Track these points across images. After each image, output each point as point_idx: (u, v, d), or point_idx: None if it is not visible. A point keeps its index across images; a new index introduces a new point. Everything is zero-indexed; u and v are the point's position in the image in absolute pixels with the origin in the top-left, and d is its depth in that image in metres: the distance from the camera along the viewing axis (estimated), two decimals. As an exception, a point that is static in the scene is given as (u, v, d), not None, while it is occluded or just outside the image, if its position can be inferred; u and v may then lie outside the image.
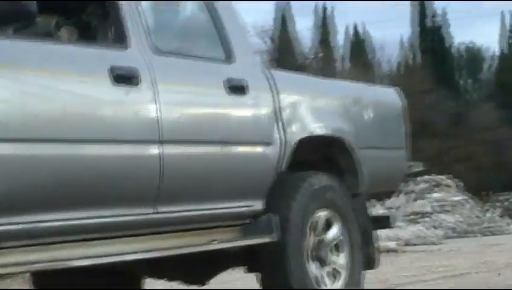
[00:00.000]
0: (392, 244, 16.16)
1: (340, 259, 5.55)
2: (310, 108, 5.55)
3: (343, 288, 5.45)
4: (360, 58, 47.68)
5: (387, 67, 49.05)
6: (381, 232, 16.87)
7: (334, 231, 5.55)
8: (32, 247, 3.96)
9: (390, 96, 6.77)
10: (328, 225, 5.53)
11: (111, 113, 4.20)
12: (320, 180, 5.46)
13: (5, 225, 3.69)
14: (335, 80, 6.48)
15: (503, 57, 57.84)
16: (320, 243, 5.44)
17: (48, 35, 4.36)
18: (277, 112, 5.23)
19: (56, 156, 3.81)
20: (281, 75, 5.74)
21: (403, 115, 6.63)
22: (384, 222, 7.02)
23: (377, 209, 19.42)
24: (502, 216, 26.31)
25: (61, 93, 3.95)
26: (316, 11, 51.20)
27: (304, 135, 5.38)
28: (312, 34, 49.08)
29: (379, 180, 6.22)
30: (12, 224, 3.73)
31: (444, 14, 53.26)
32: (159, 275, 5.86)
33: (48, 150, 3.77)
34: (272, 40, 42.61)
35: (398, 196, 23.01)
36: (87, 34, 4.69)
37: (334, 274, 5.48)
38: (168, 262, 4.98)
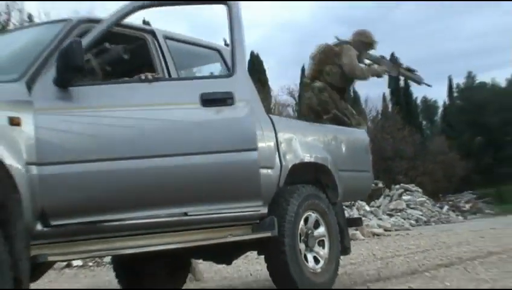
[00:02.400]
0: (378, 230, 16.44)
1: (322, 251, 5.33)
2: (300, 143, 5.35)
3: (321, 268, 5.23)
4: (355, 108, 47.69)
5: (373, 114, 49.05)
6: (371, 222, 17.70)
7: (320, 230, 5.35)
8: (96, 240, 3.76)
9: (360, 135, 6.58)
10: (317, 226, 5.33)
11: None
12: (308, 190, 5.26)
13: (78, 223, 3.48)
14: (319, 124, 6.28)
15: (448, 106, 59.10)
16: (309, 235, 5.24)
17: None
18: (277, 145, 5.05)
19: (120, 170, 3.51)
20: (278, 119, 5.59)
21: (369, 148, 6.45)
22: (357, 221, 6.92)
23: (365, 207, 20.19)
24: (450, 211, 26.78)
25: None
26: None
27: (296, 161, 5.21)
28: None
29: (351, 193, 6.09)
30: (83, 224, 3.52)
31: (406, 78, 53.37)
32: (199, 257, 5.68)
33: (116, 165, 3.48)
34: (297, 97, 42.83)
35: (380, 198, 23.47)
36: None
37: (317, 259, 5.26)
38: (205, 248, 4.68)
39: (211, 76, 4.19)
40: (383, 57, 7.23)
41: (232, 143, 3.60)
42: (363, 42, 6.99)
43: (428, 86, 7.57)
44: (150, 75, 3.69)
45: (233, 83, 3.65)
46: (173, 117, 3.57)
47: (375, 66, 7.04)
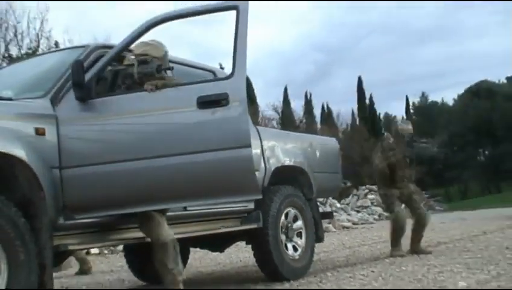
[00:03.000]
0: (347, 224, 16.37)
1: (300, 241, 5.31)
2: (282, 149, 5.32)
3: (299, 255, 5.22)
4: (329, 121, 47.92)
5: (343, 126, 49.15)
6: (341, 217, 17.66)
7: (298, 224, 5.34)
8: (110, 231, 3.73)
9: (331, 142, 6.57)
10: (295, 219, 5.31)
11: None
12: (288, 190, 5.24)
13: (93, 217, 3.45)
14: (297, 133, 6.26)
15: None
16: (289, 227, 5.22)
17: None
18: (262, 151, 5.02)
19: (128, 170, 3.36)
20: (263, 129, 5.55)
21: (339, 153, 6.39)
22: (329, 215, 6.92)
23: (336, 204, 20.12)
24: (406, 208, 26.12)
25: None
26: (305, 95, 51.73)
27: (278, 165, 5.18)
28: (303, 108, 49.35)
29: (324, 191, 6.04)
30: (97, 217, 3.48)
31: (371, 97, 53.51)
32: (196, 246, 5.61)
33: (125, 166, 3.34)
34: (281, 112, 42.67)
35: (349, 197, 23.39)
36: None
37: (295, 248, 5.25)
38: (202, 238, 4.73)
39: (209, 80, 3.97)
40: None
41: (227, 141, 3.34)
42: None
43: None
44: (150, 86, 3.52)
45: (229, 85, 3.39)
46: (172, 120, 3.40)
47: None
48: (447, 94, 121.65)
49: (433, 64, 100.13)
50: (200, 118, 3.40)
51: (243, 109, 3.38)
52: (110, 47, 3.83)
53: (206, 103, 3.39)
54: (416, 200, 6.86)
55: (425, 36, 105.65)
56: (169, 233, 3.73)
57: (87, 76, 3.45)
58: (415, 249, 6.66)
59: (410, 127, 6.89)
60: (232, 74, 3.46)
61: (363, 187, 25.78)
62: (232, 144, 3.35)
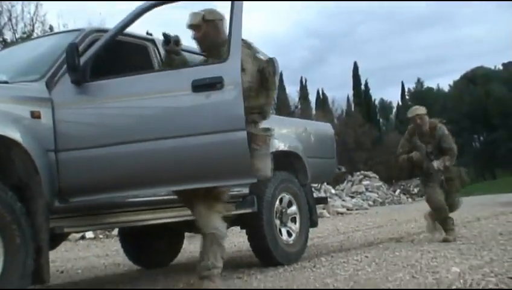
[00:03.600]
0: (342, 210, 16.48)
1: (294, 226, 5.36)
2: (277, 134, 5.26)
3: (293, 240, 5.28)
4: (324, 107, 47.91)
5: (338, 112, 49.19)
6: (335, 203, 17.74)
7: (292, 209, 5.37)
8: (105, 215, 3.75)
9: (326, 127, 6.57)
10: (289, 205, 5.35)
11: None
12: (283, 175, 5.25)
13: (91, 200, 3.45)
14: (292, 118, 6.26)
15: (400, 107, 59.41)
16: (283, 212, 5.25)
17: None
18: None
19: (123, 153, 3.33)
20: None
21: (334, 138, 6.40)
22: (324, 200, 6.99)
23: (331, 190, 20.19)
24: (401, 194, 27.02)
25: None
26: (301, 81, 51.73)
27: (273, 149, 5.09)
28: (298, 93, 49.33)
29: (319, 176, 6.06)
30: (92, 200, 3.47)
31: (367, 83, 53.55)
32: (190, 231, 5.59)
33: (119, 149, 3.32)
34: (275, 98, 42.62)
35: (344, 183, 23.54)
36: None
37: (289, 233, 5.30)
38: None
39: (204, 63, 3.94)
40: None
41: (222, 124, 3.29)
42: None
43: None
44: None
45: (224, 68, 3.35)
46: (167, 104, 3.38)
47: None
48: (443, 80, 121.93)
49: (429, 50, 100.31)
50: (194, 101, 3.39)
51: (237, 92, 3.35)
52: (105, 31, 3.83)
53: (201, 86, 3.37)
54: (454, 186, 6.53)
55: (421, 22, 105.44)
56: (217, 225, 3.68)
57: (82, 59, 3.43)
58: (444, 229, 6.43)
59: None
60: (226, 58, 3.45)
61: (358, 173, 25.98)
62: (226, 127, 3.34)
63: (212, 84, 3.34)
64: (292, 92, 50.19)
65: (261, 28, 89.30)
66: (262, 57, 3.79)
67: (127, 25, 3.61)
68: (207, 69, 3.48)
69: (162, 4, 3.62)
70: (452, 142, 6.42)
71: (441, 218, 6.39)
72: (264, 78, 3.67)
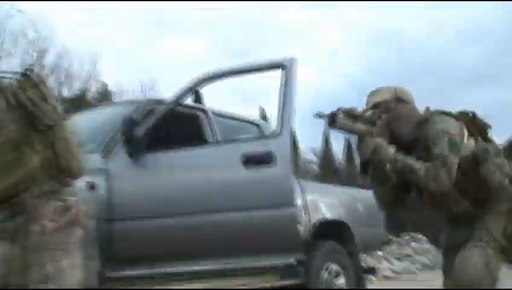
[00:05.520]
0: (389, 274, 16.01)
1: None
2: (323, 203, 5.27)
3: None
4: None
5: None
6: (382, 265, 17.09)
7: (340, 281, 5.19)
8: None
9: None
10: (337, 276, 5.16)
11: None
12: (330, 244, 5.14)
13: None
14: (340, 187, 6.20)
15: None
16: (331, 283, 5.11)
17: None
18: (304, 205, 4.91)
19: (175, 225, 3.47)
20: (305, 183, 5.51)
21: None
22: (372, 271, 6.70)
23: (377, 252, 19.50)
24: None
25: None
26: (345, 138, 51.48)
27: (321, 219, 5.08)
28: (342, 150, 48.96)
29: (366, 245, 5.92)
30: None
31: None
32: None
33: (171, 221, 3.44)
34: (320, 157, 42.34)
35: (390, 245, 22.89)
36: None
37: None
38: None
39: (256, 137, 3.98)
40: None
41: (271, 199, 3.36)
42: None
43: None
44: None
45: (275, 143, 3.40)
46: (218, 177, 3.46)
47: None
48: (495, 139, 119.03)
49: (481, 107, 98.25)
50: (244, 176, 3.44)
51: (287, 167, 3.41)
52: (161, 102, 4.00)
53: (251, 160, 3.42)
54: None
55: (473, 78, 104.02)
56: None
57: (139, 130, 3.57)
58: None
59: None
60: (278, 132, 3.50)
61: (405, 234, 25.02)
62: (276, 203, 3.36)
63: (263, 159, 3.38)
64: (337, 148, 50.05)
65: (309, 82, 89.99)
66: None
67: (183, 96, 3.75)
68: (258, 142, 3.54)
69: (218, 78, 3.75)
70: None
71: None
72: None
